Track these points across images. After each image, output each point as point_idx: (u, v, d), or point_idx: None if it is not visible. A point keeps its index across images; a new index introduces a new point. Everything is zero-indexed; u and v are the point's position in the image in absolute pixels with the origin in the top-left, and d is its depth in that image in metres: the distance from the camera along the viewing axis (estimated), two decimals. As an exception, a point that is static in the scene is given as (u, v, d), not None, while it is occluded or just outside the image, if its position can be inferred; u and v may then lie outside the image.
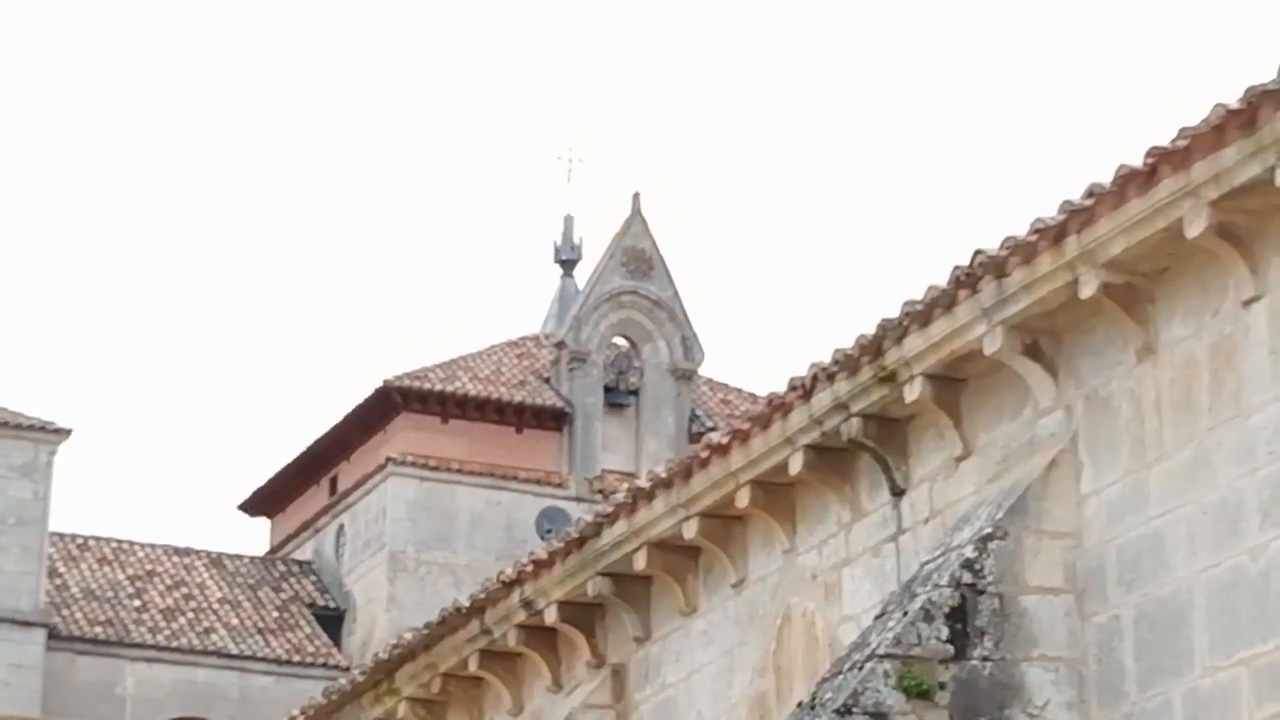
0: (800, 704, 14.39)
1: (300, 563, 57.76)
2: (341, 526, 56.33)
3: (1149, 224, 13.48)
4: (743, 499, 16.89)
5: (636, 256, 55.68)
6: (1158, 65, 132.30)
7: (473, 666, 19.87)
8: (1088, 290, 13.92)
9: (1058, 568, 14.22)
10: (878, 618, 14.52)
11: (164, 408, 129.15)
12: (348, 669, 30.75)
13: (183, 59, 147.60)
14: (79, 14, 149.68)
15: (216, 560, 57.75)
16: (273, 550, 59.27)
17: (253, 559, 58.66)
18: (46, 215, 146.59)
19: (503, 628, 19.37)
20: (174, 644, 53.80)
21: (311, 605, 55.90)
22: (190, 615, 54.81)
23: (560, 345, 55.75)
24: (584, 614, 18.69)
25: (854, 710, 13.61)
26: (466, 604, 20.08)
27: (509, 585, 19.40)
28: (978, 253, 14.64)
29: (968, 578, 14.07)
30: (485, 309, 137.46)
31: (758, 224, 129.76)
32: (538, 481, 53.44)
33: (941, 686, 13.80)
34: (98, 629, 53.33)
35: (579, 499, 49.93)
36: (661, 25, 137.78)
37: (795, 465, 16.34)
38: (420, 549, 53.38)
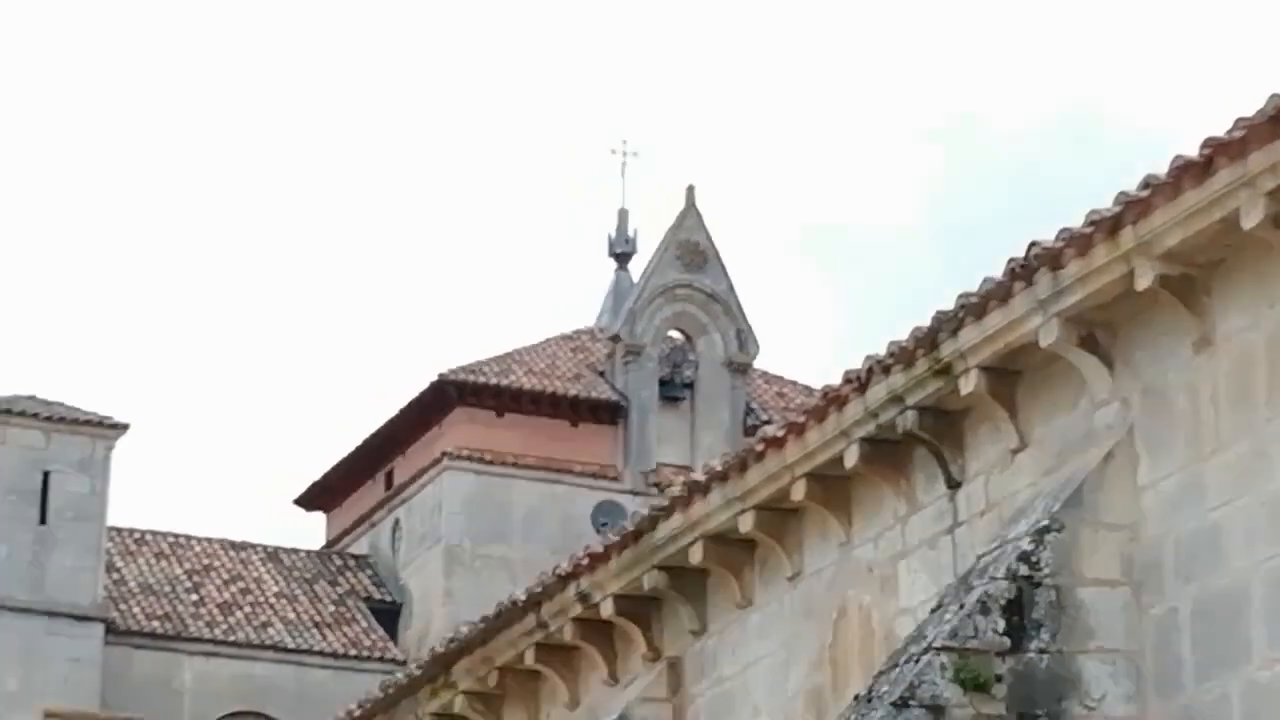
0: (857, 697, 14.40)
1: (356, 557, 57.78)
2: (397, 521, 56.33)
3: (1205, 215, 13.45)
4: (798, 492, 16.88)
5: (691, 249, 55.56)
6: (1214, 59, 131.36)
7: (529, 660, 19.88)
8: (1144, 282, 13.90)
9: (1115, 560, 14.20)
10: (934, 610, 14.51)
11: (221, 403, 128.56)
12: (404, 663, 30.88)
13: (244, 55, 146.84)
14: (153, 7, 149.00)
15: (273, 554, 57.81)
16: (329, 544, 59.30)
17: (309, 553, 58.69)
18: (105, 212, 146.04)
19: (559, 621, 19.39)
20: (231, 638, 53.82)
21: (368, 599, 55.92)
22: (247, 609, 54.86)
23: (615, 339, 55.62)
24: (640, 607, 18.70)
25: (911, 703, 13.61)
26: (522, 598, 20.10)
27: (565, 579, 19.41)
28: (1033, 244, 14.61)
29: (1024, 570, 14.06)
30: (540, 302, 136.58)
31: (814, 216, 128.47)
32: (593, 475, 53.39)
33: (998, 679, 13.80)
34: (155, 623, 53.38)
35: (634, 493, 49.88)
36: (716, 17, 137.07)
37: (851, 458, 16.33)
38: (476, 543, 53.37)
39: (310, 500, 60.65)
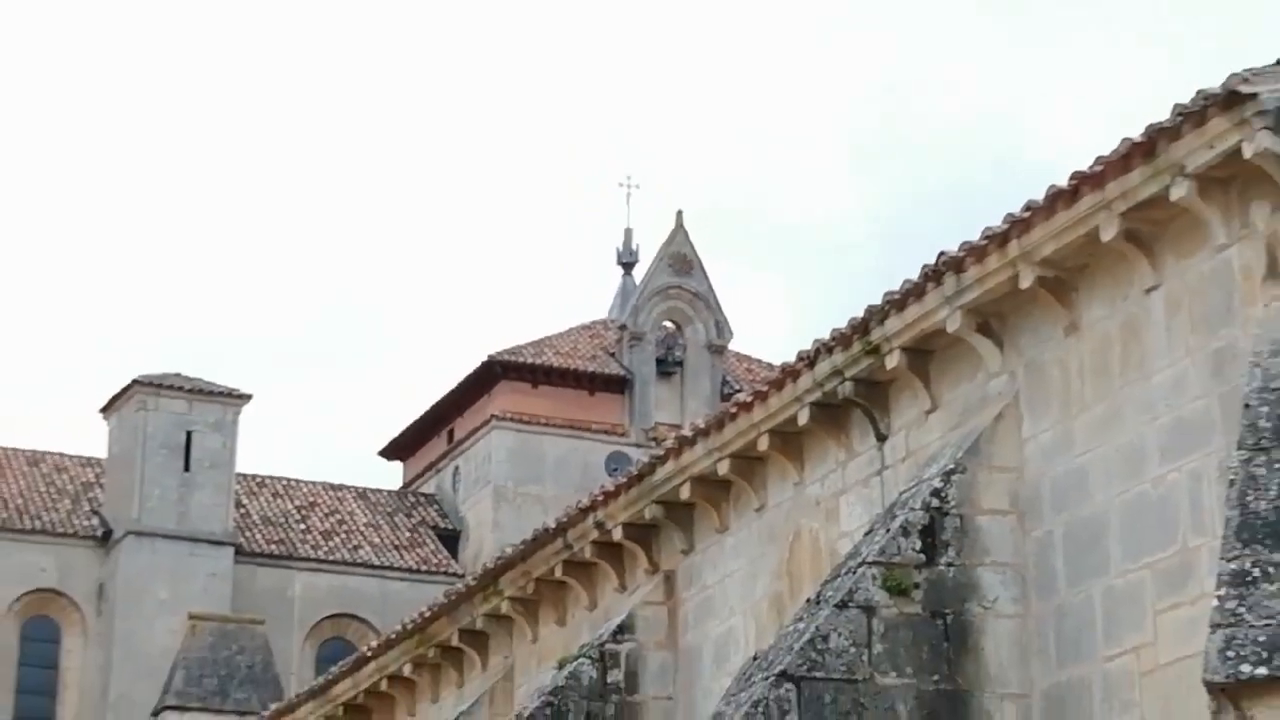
0: (808, 600, 14.33)
1: (425, 495, 57.74)
2: (457, 468, 56.30)
3: (1073, 231, 13.46)
4: (763, 444, 16.83)
5: (680, 259, 55.83)
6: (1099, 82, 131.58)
7: (558, 573, 19.86)
8: (1026, 282, 13.91)
9: (1004, 495, 14.15)
10: (867, 534, 14.44)
11: (321, 377, 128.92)
12: (462, 576, 30.75)
13: (333, 61, 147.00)
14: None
15: (362, 494, 57.89)
16: (404, 486, 59.23)
17: (389, 493, 58.69)
18: (226, 228, 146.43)
19: (580, 543, 19.35)
20: (330, 558, 53.89)
21: (434, 528, 55.92)
22: (343, 536, 54.94)
23: (622, 328, 55.74)
24: (642, 532, 18.65)
25: (849, 605, 13.56)
26: (553, 525, 20.07)
27: (585, 511, 19.40)
28: (941, 254, 14.61)
29: (935, 503, 14.01)
30: (564, 300, 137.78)
31: (777, 232, 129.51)
32: (606, 432, 53.43)
33: (916, 586, 13.73)
34: (272, 547, 53.47)
35: (637, 445, 49.73)
36: (699, 76, 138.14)
37: (803, 418, 16.28)
38: (517, 484, 53.35)
39: (390, 452, 60.66)
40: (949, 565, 13.89)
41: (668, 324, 55.65)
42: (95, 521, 52.51)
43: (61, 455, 55.85)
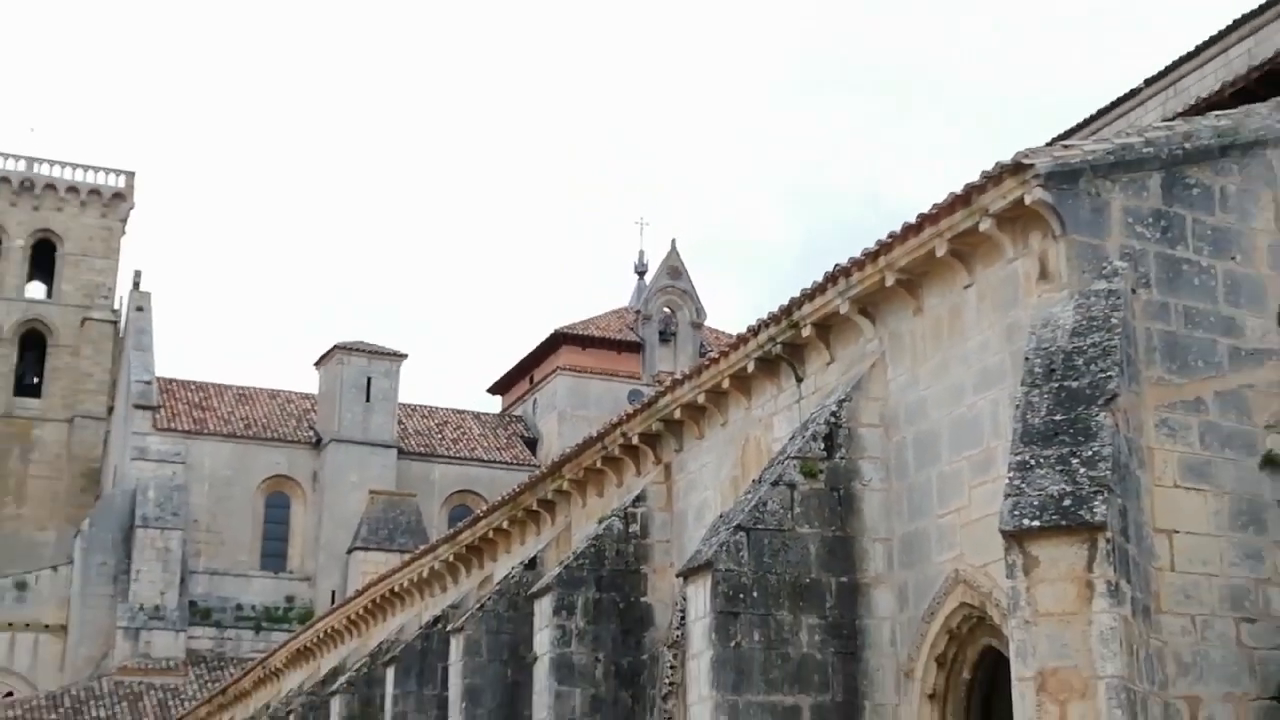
0: (754, 480, 14.28)
1: (515, 416, 57.53)
2: (536, 399, 56.22)
3: (918, 251, 13.36)
4: (725, 384, 16.68)
5: (673, 270, 55.84)
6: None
7: (598, 464, 19.75)
8: (889, 283, 13.76)
9: (876, 415, 13.99)
10: (790, 440, 14.35)
11: (454, 339, 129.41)
12: (539, 467, 30.85)
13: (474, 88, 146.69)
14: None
15: (477, 416, 57.68)
16: (503, 411, 59.11)
17: (493, 415, 58.44)
18: (378, 205, 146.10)
19: (612, 446, 19.26)
20: (457, 455, 53.82)
21: (521, 437, 55.74)
22: (464, 442, 54.80)
23: (638, 313, 55.67)
24: (650, 439, 18.54)
25: (779, 483, 13.51)
26: (594, 435, 20.01)
27: (614, 425, 19.34)
28: (836, 265, 14.50)
29: (833, 420, 13.91)
30: (602, 294, 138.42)
31: (735, 248, 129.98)
32: (629, 377, 53.31)
33: (820, 471, 13.65)
34: (420, 448, 53.43)
35: (648, 385, 49.42)
36: (696, 140, 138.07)
37: (750, 367, 16.14)
38: (573, 410, 53.10)
39: (494, 389, 60.51)
40: (841, 459, 13.78)
41: (666, 310, 55.72)
42: (311, 433, 52.61)
43: (290, 392, 56.01)
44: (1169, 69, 20.62)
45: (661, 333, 55.20)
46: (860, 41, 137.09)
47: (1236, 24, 19.21)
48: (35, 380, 64.01)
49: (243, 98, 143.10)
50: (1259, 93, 14.89)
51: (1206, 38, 19.89)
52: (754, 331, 16.03)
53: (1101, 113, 21.88)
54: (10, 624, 51.10)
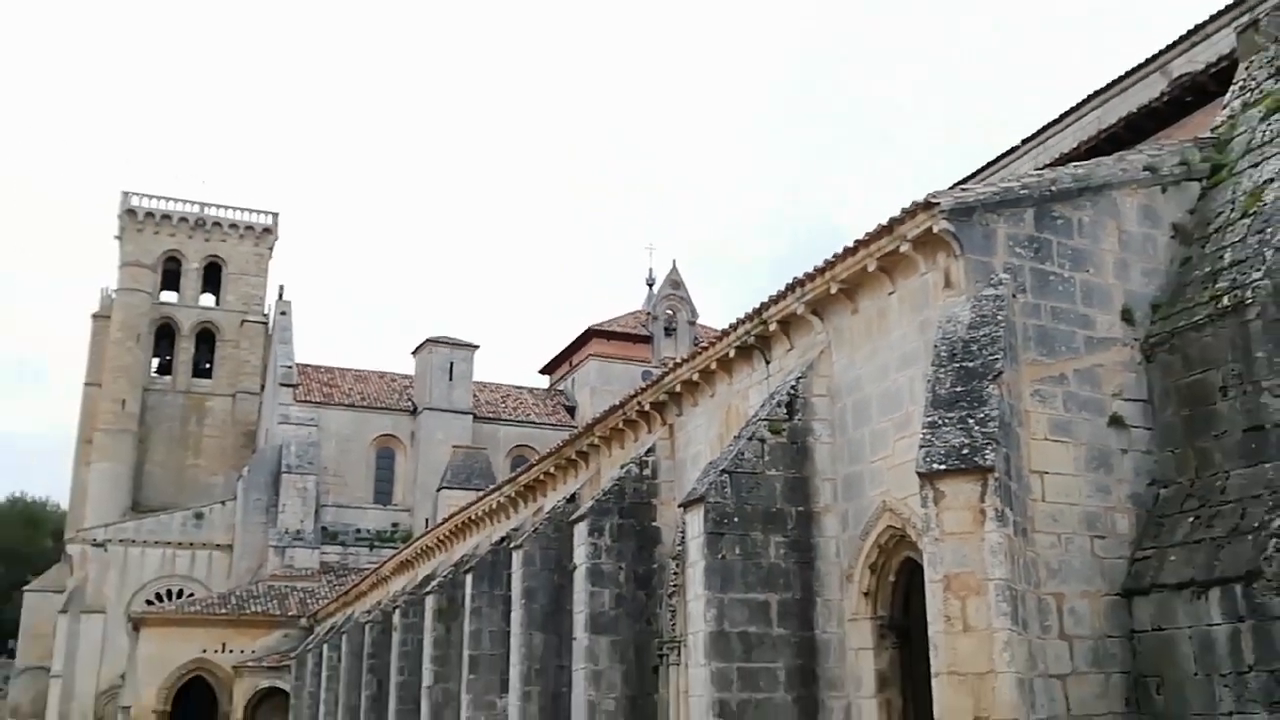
0: (735, 436, 14.19)
1: (560, 390, 57.30)
2: (574, 378, 56.00)
3: (855, 266, 13.20)
4: (713, 366, 16.56)
5: (674, 282, 55.52)
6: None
7: (620, 426, 19.62)
8: (834, 290, 13.62)
9: (824, 387, 13.84)
10: (761, 407, 14.22)
11: (511, 333, 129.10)
12: (576, 428, 30.84)
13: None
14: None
15: (533, 390, 57.45)
16: (550, 386, 59.02)
17: (543, 389, 58.30)
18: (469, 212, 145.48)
19: (629, 411, 19.13)
20: (516, 419, 53.68)
21: (564, 406, 55.51)
22: (522, 409, 54.67)
23: (649, 314, 55.36)
24: (659, 407, 18.37)
25: (752, 438, 13.42)
26: (617, 404, 19.91)
27: (632, 397, 19.19)
28: (795, 277, 14.38)
29: (792, 391, 13.80)
30: (621, 299, 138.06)
31: (722, 264, 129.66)
32: (642, 361, 53.11)
33: (783, 430, 13.52)
34: (489, 414, 53.35)
35: (656, 367, 49.38)
36: (698, 175, 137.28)
37: (731, 353, 15.99)
38: (601, 385, 52.91)
39: (544, 370, 60.34)
40: (799, 420, 13.68)
41: (669, 311, 55.40)
42: (409, 403, 52.57)
43: (394, 373, 55.99)
44: (1039, 132, 20.52)
45: (666, 328, 54.96)
46: (831, 77, 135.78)
47: (1089, 98, 19.11)
48: (207, 366, 64.51)
49: (354, 149, 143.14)
50: (1106, 149, 14.89)
51: (1067, 108, 19.79)
52: (733, 327, 15.91)
53: (989, 164, 21.80)
54: (191, 544, 51.69)
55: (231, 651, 42.32)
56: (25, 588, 58.28)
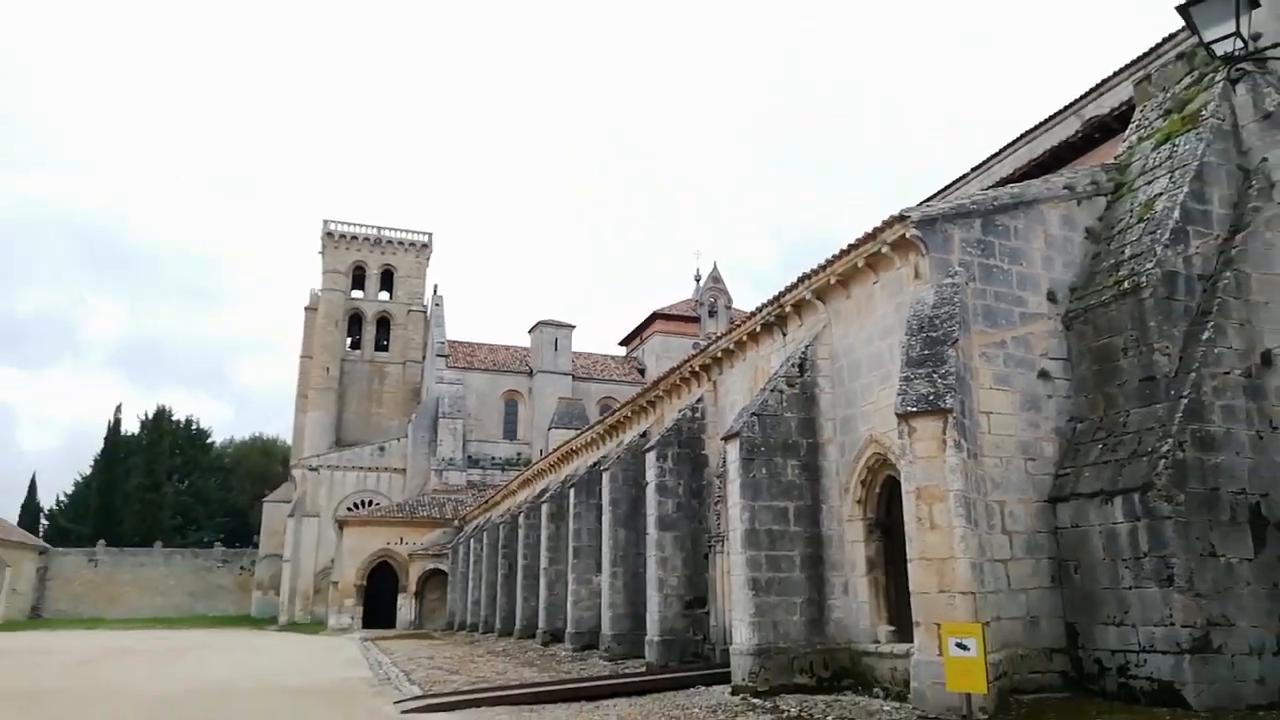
0: (761, 389, 14.06)
1: (634, 357, 57.19)
2: (644, 349, 55.84)
3: (847, 265, 12.98)
4: (744, 339, 16.41)
5: (715, 277, 54.91)
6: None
7: (677, 382, 19.56)
8: (832, 282, 13.40)
9: (826, 352, 13.66)
10: (780, 366, 14.14)
11: (598, 315, 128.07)
12: (645, 384, 30.77)
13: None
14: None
15: (612, 357, 57.28)
16: (627, 354, 59.00)
17: (622, 357, 58.07)
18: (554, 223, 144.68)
19: (685, 372, 19.09)
20: (602, 378, 53.68)
21: (637, 368, 55.30)
22: (607, 371, 54.42)
23: (698, 301, 54.97)
24: (704, 368, 18.27)
25: (773, 390, 13.33)
26: (675, 366, 19.82)
27: (685, 361, 19.06)
28: (802, 273, 14.17)
29: (803, 355, 13.65)
30: (675, 291, 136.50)
31: (744, 264, 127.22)
32: (693, 335, 52.68)
33: (797, 383, 13.43)
34: (583, 374, 53.22)
35: (703, 340, 49.21)
36: (734, 192, 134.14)
37: (758, 329, 15.86)
38: (664, 353, 52.76)
39: (622, 343, 60.23)
40: (808, 376, 13.52)
41: (711, 299, 54.79)
42: (527, 368, 52.68)
43: (516, 346, 56.10)
44: (984, 162, 19.88)
45: (710, 311, 54.45)
46: (819, 118, 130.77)
47: (1022, 136, 18.46)
48: (385, 343, 65.48)
49: (492, 173, 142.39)
50: (1035, 173, 14.45)
51: (1005, 143, 19.12)
52: (759, 310, 15.75)
53: (947, 186, 21.20)
54: (376, 468, 52.76)
55: (406, 544, 43.38)
56: (264, 499, 60.26)
